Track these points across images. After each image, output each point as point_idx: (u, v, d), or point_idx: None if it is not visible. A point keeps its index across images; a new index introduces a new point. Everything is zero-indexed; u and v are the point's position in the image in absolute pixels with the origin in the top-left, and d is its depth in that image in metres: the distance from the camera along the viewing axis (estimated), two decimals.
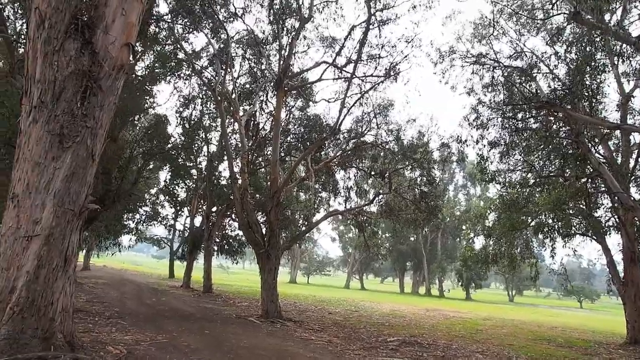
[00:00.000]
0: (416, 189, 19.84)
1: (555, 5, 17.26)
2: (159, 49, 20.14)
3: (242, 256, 37.51)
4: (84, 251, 33.81)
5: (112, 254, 35.11)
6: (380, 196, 19.85)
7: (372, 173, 20.05)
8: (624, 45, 18.27)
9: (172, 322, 11.93)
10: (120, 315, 12.30)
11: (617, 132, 19.13)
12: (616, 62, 18.84)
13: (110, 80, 6.23)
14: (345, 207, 20.41)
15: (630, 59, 19.24)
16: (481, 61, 18.42)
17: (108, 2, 6.32)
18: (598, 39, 17.68)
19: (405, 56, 17.79)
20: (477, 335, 15.77)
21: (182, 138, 24.17)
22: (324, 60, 18.51)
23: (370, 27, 17.01)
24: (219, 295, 23.85)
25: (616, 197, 16.51)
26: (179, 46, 19.64)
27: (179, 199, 31.43)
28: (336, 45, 19.05)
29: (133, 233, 31.08)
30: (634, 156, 18.11)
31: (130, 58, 6.65)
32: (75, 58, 5.93)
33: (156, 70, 20.47)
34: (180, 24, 19.15)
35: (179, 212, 34.44)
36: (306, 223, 25.51)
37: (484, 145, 18.26)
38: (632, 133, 18.69)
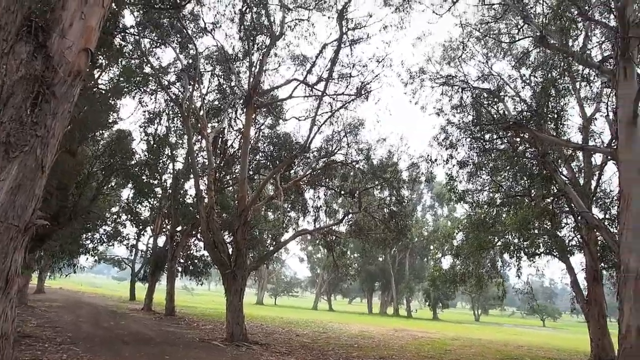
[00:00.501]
0: (385, 209, 19.72)
1: (521, 30, 17.58)
2: (124, 62, 19.62)
3: (208, 277, 36.56)
4: (37, 273, 32.22)
5: (67, 275, 33.48)
6: (350, 215, 19.64)
7: (342, 192, 19.84)
8: (586, 69, 18.80)
9: (130, 347, 11.27)
10: (73, 340, 11.55)
11: (580, 154, 19.59)
12: (578, 87, 19.32)
13: (65, 87, 5.78)
14: (314, 226, 20.08)
15: (591, 84, 19.82)
16: (450, 82, 18.58)
17: (66, 5, 5.89)
18: (561, 64, 18.15)
19: (376, 75, 17.81)
20: (446, 355, 15.55)
21: (147, 155, 23.45)
22: (294, 78, 18.36)
23: (342, 45, 16.97)
24: (182, 318, 23.02)
25: (581, 217, 16.71)
26: (145, 60, 19.15)
27: (142, 217, 30.40)
28: (307, 63, 18.95)
29: (91, 253, 29.75)
30: (595, 177, 18.43)
31: (89, 64, 6.22)
32: (26, 62, 5.47)
33: (121, 85, 19.90)
34: (147, 38, 18.72)
35: (142, 232, 33.35)
36: (274, 243, 25.00)
37: (453, 165, 18.33)
38: (593, 155, 19.10)
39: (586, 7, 12.74)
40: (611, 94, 16.64)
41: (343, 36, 16.64)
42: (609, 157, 17.87)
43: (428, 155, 18.07)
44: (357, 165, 19.66)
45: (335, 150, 19.61)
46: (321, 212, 20.94)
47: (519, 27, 17.74)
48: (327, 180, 20.31)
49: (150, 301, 26.54)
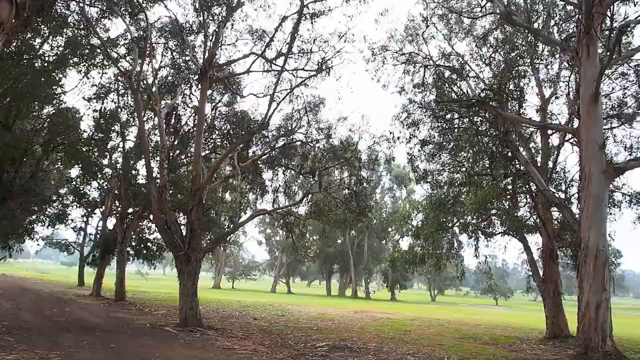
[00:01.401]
0: (346, 189, 19.39)
1: (484, 8, 17.40)
2: (69, 33, 18.40)
3: (161, 261, 35.53)
4: None
5: (2, 259, 31.73)
6: (310, 196, 19.21)
7: (302, 172, 19.35)
8: (545, 51, 18.86)
9: (71, 336, 10.48)
10: (8, 329, 10.66)
11: (537, 136, 19.76)
12: (537, 68, 19.36)
13: None
14: (273, 207, 19.54)
15: (548, 66, 19.93)
16: (413, 60, 18.26)
17: None
18: (522, 43, 18.13)
19: (338, 51, 17.25)
20: (406, 336, 15.42)
21: (94, 132, 22.26)
22: (252, 52, 17.59)
23: (302, 19, 16.28)
24: (133, 304, 22.13)
25: (537, 196, 16.83)
26: (92, 31, 17.96)
27: (90, 199, 28.99)
28: (266, 37, 18.21)
29: (32, 236, 28.09)
30: (553, 157, 18.59)
31: (12, 16, 5.45)
32: None
33: (66, 56, 18.67)
34: (94, 6, 17.54)
35: (91, 214, 31.91)
36: (231, 224, 24.33)
37: (415, 144, 18.13)
38: (551, 136, 19.28)
39: None
40: (571, 76, 16.70)
41: (304, 8, 15.96)
42: (566, 138, 18.06)
43: (391, 133, 17.77)
44: (317, 145, 19.20)
45: (295, 129, 19.04)
46: (280, 193, 20.44)
47: (482, 6, 17.60)
48: (287, 160, 19.78)
49: (100, 286, 25.44)
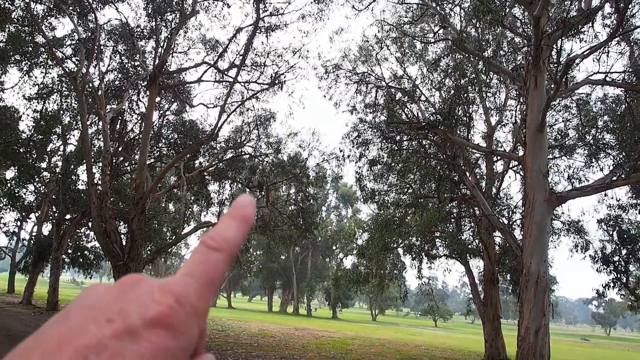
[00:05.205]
0: (293, 205, 19.22)
1: (437, 34, 17.84)
2: (12, 29, 17.51)
3: (99, 270, 34.03)
4: None
5: None
6: (256, 210, 18.88)
7: (249, 185, 19.04)
8: (493, 80, 19.49)
9: None
10: None
11: (481, 162, 20.32)
12: (484, 96, 19.98)
13: None
14: (218, 220, 19.08)
15: (495, 95, 20.63)
16: (365, 80, 18.43)
17: None
18: (471, 72, 18.68)
19: (292, 67, 17.28)
20: (347, 355, 15.30)
21: (33, 133, 21.14)
22: (204, 61, 17.30)
23: (258, 32, 16.16)
24: None
25: (481, 221, 17.22)
26: (37, 28, 17.15)
27: (25, 203, 27.44)
28: (219, 48, 17.99)
29: None
30: (496, 184, 19.11)
31: None
32: None
33: (7, 53, 17.74)
34: (40, 3, 16.79)
35: (26, 219, 30.20)
36: (174, 236, 23.61)
37: (364, 164, 18.21)
38: (495, 163, 19.87)
39: (502, 14, 12.93)
40: (517, 105, 17.31)
41: (259, 21, 15.84)
42: (510, 165, 18.64)
43: (341, 152, 17.80)
44: (266, 159, 18.98)
45: (244, 142, 18.79)
46: (226, 206, 20.02)
47: (435, 32, 18.03)
48: (234, 172, 19.45)
49: (31, 294, 24.04)
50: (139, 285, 0.35)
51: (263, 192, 18.15)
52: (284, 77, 17.27)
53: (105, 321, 0.31)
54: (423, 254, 20.07)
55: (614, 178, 12.44)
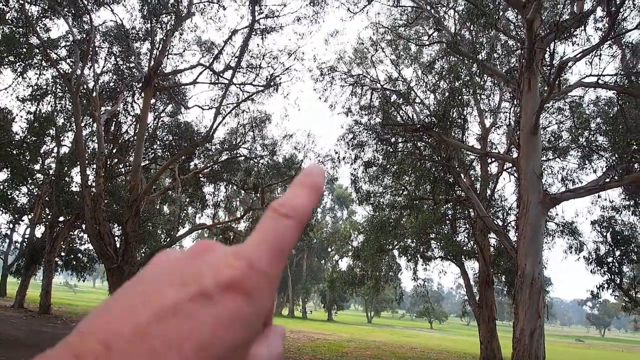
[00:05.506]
0: None
1: (432, 37, 17.91)
2: (7, 30, 17.46)
3: (92, 273, 33.88)
4: None
5: None
6: (251, 212, 18.88)
7: (245, 187, 19.04)
8: (487, 83, 19.58)
9: None
10: None
11: (476, 164, 20.39)
12: (479, 98, 20.07)
13: None
14: (213, 222, 19.08)
15: (489, 98, 20.73)
16: (361, 82, 18.48)
17: None
18: (465, 75, 18.77)
19: (287, 69, 17.30)
20: (343, 358, 15.32)
21: (27, 134, 21.06)
22: (200, 63, 17.29)
23: (253, 34, 16.17)
24: (58, 317, 20.87)
25: (476, 222, 17.28)
26: (31, 30, 17.10)
27: (18, 205, 27.28)
28: (215, 50, 17.99)
29: None
30: (491, 186, 19.18)
31: None
32: None
33: (3, 55, 17.72)
34: (35, 5, 16.74)
35: (18, 221, 30.04)
36: (168, 238, 23.54)
37: (359, 166, 18.22)
38: (490, 165, 19.95)
39: (495, 17, 13.01)
40: (511, 108, 17.40)
41: (255, 23, 15.85)
42: (505, 167, 18.71)
43: (337, 153, 17.83)
44: (261, 161, 18.98)
45: (240, 144, 18.79)
46: (220, 208, 20.02)
47: (429, 35, 18.11)
48: (229, 174, 19.43)
49: (23, 298, 23.88)
50: (212, 250, 0.35)
51: (258, 194, 18.14)
52: (280, 79, 17.30)
53: (180, 284, 0.31)
54: (418, 255, 20.11)
55: (607, 180, 12.53)
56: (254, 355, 0.33)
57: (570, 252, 18.32)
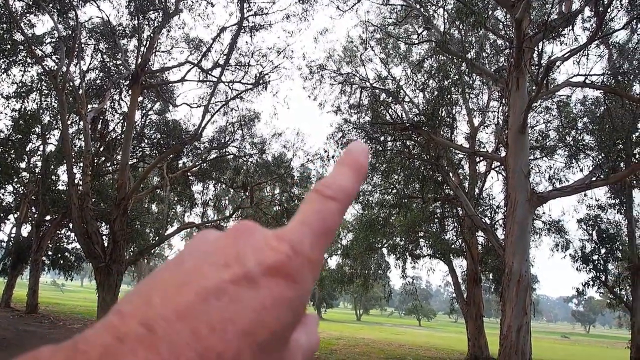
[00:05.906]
0: (278, 206, 19.19)
1: (421, 35, 17.98)
2: None
3: (80, 272, 33.62)
4: None
5: None
6: (240, 211, 18.83)
7: (233, 186, 18.97)
8: (475, 82, 19.69)
9: None
10: None
11: (464, 163, 20.52)
12: (467, 97, 20.18)
13: None
14: (201, 221, 19.00)
15: (478, 97, 20.85)
16: (350, 81, 18.48)
17: None
18: (454, 74, 18.86)
19: (276, 67, 17.25)
20: (332, 355, 15.34)
21: (12, 132, 20.82)
22: (188, 60, 17.20)
23: (242, 32, 16.10)
24: (45, 316, 20.68)
25: (464, 221, 17.40)
26: (15, 26, 16.86)
27: (3, 204, 26.97)
28: (203, 47, 17.91)
29: None
30: (479, 185, 19.31)
31: None
32: None
33: None
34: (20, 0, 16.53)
35: (4, 220, 29.69)
36: (157, 237, 23.40)
37: None
38: (478, 164, 20.08)
39: (485, 16, 13.07)
40: (499, 107, 17.50)
41: (243, 21, 15.78)
42: (493, 166, 18.83)
43: (326, 152, 17.83)
44: (250, 159, 18.93)
45: (228, 142, 18.71)
46: (209, 207, 19.94)
47: (419, 33, 18.17)
48: (218, 173, 19.36)
49: (10, 297, 23.65)
50: (253, 232, 0.33)
51: (247, 193, 18.09)
52: (269, 77, 17.24)
53: (223, 265, 0.30)
54: (407, 253, 20.22)
55: (594, 179, 12.67)
56: (295, 340, 0.32)
57: (557, 250, 18.53)
